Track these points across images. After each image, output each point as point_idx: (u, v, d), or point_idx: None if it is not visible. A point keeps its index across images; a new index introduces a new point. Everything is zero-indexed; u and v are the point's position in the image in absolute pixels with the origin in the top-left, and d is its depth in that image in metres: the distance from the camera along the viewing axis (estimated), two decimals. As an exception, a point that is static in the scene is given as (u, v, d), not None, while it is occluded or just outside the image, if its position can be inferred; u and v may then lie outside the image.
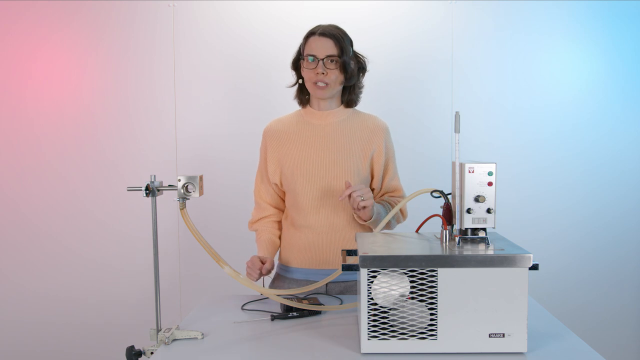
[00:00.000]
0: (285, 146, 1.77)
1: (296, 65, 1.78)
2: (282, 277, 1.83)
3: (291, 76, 1.82)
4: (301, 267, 1.78)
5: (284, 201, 1.84)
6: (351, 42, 1.74)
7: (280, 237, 1.84)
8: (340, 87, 1.74)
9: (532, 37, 2.63)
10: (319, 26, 1.72)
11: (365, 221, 1.67)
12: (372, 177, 1.80)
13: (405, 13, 2.61)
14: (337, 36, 1.68)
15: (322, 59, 1.66)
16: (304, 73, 1.72)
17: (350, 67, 1.70)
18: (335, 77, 1.69)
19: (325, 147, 1.74)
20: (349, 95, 1.78)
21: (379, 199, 1.82)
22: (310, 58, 1.68)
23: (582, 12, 2.62)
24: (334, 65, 1.68)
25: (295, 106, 1.86)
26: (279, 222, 1.85)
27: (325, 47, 1.67)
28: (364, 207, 1.59)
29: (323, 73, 1.67)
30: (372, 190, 1.83)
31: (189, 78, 2.63)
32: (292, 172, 1.74)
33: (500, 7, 2.62)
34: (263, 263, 1.65)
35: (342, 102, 1.79)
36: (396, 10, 2.61)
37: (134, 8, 2.61)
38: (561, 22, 2.63)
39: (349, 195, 1.57)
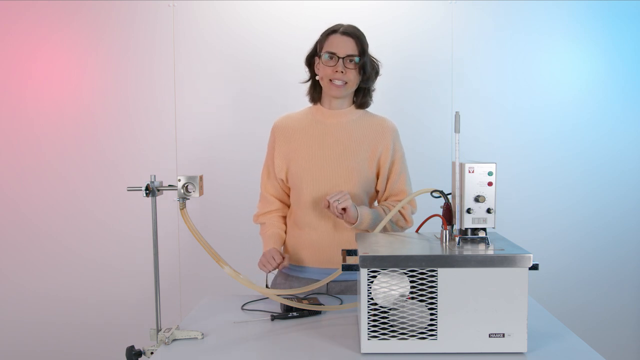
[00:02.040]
0: (293, 143, 1.77)
1: (310, 61, 1.78)
2: (284, 275, 1.83)
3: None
4: (303, 266, 1.78)
5: (289, 196, 1.84)
6: (367, 44, 1.75)
7: (285, 232, 1.84)
8: (355, 88, 1.75)
9: (532, 37, 2.63)
10: (340, 25, 1.72)
11: (353, 224, 1.65)
12: (378, 178, 1.79)
13: (405, 13, 2.61)
14: (360, 37, 1.69)
15: (343, 58, 1.67)
16: (320, 70, 1.72)
17: (368, 69, 1.71)
18: (353, 77, 1.70)
19: (332, 146, 1.73)
20: (363, 97, 1.78)
21: (382, 203, 1.80)
22: (330, 56, 1.68)
23: (582, 12, 2.62)
24: (353, 65, 1.68)
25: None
26: (285, 217, 1.86)
27: (347, 46, 1.67)
28: (344, 210, 1.60)
29: (342, 72, 1.67)
30: (377, 192, 1.81)
31: (189, 78, 2.63)
32: (297, 170, 1.74)
33: (500, 7, 2.62)
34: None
35: (353, 103, 1.79)
36: (396, 10, 2.61)
37: (134, 8, 2.61)
38: (561, 22, 2.63)
39: (329, 205, 1.60)
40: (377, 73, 1.79)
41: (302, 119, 1.80)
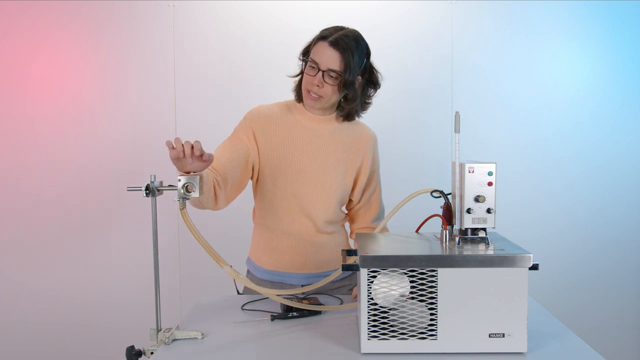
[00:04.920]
0: (271, 140, 1.64)
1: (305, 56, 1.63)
2: (256, 278, 1.75)
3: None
4: (280, 271, 1.72)
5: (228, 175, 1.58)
6: (368, 54, 1.61)
7: (215, 183, 1.51)
8: (335, 101, 1.62)
9: (532, 37, 2.63)
10: (335, 30, 1.56)
11: None
12: (354, 189, 1.72)
13: (405, 13, 2.61)
14: (347, 51, 1.52)
15: (324, 71, 1.53)
16: (304, 76, 1.61)
17: (352, 87, 1.57)
18: (331, 92, 1.57)
19: (312, 152, 1.64)
20: (347, 109, 1.64)
21: (357, 232, 1.73)
22: (312, 65, 1.55)
23: (582, 12, 2.62)
24: (332, 80, 1.55)
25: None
26: (215, 178, 1.52)
27: (330, 59, 1.53)
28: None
29: (318, 85, 1.55)
30: (350, 201, 1.75)
31: (189, 78, 2.63)
32: (272, 173, 1.64)
33: (500, 7, 2.62)
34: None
35: (336, 110, 1.67)
36: (396, 10, 2.61)
37: (134, 8, 2.61)
38: (561, 22, 2.63)
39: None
40: (375, 85, 1.65)
41: (281, 116, 1.66)
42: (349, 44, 1.53)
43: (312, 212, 1.65)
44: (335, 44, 1.52)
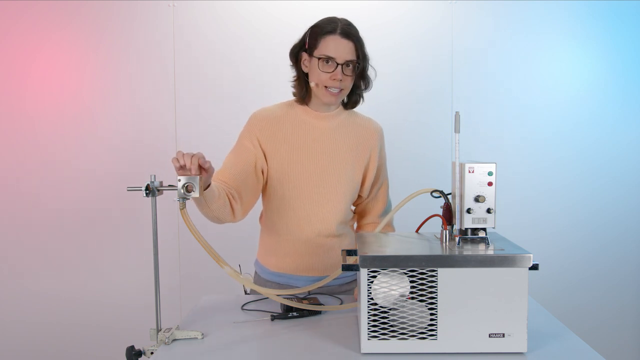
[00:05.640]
0: (276, 142, 1.62)
1: (297, 57, 1.62)
2: (263, 279, 1.76)
3: (291, 76, 1.75)
4: (284, 273, 1.71)
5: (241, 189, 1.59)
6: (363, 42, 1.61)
7: (229, 196, 1.54)
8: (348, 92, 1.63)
9: (532, 37, 2.63)
10: (335, 22, 1.55)
11: None
12: (363, 184, 1.71)
13: (405, 13, 2.61)
14: (359, 38, 1.55)
15: (342, 64, 1.53)
16: (314, 73, 1.57)
17: (368, 74, 1.61)
18: (349, 83, 1.58)
19: (320, 152, 1.62)
20: (354, 96, 1.66)
21: (364, 227, 1.77)
22: (327, 60, 1.53)
23: (583, 12, 2.62)
24: (351, 71, 1.55)
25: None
26: (227, 192, 1.55)
27: (345, 51, 1.52)
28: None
29: (340, 79, 1.54)
30: (359, 197, 1.74)
31: (189, 78, 2.63)
32: (280, 176, 1.62)
33: (500, 7, 2.62)
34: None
35: (342, 104, 1.67)
36: (396, 10, 2.61)
37: (134, 8, 2.61)
38: (561, 22, 2.63)
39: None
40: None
41: (285, 116, 1.64)
42: (354, 32, 1.56)
43: (322, 215, 1.64)
44: (346, 35, 1.53)
